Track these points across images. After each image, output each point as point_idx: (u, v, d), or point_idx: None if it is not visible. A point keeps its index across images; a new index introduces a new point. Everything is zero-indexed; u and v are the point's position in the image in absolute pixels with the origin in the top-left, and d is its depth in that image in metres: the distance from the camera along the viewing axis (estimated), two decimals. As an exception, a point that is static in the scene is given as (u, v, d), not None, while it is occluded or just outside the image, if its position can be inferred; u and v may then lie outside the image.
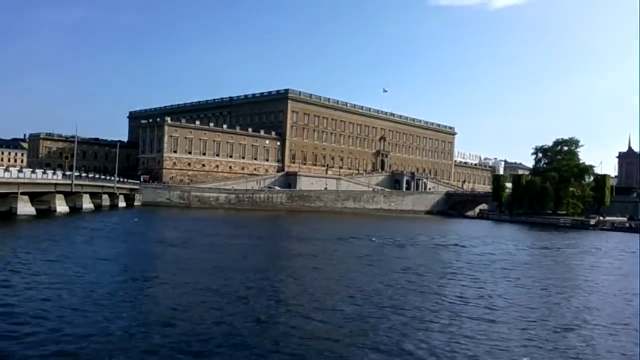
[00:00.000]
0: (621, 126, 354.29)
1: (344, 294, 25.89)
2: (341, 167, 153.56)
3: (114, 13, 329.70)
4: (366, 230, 70.07)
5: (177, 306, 21.59)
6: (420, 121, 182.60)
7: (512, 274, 36.64)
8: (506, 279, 34.04)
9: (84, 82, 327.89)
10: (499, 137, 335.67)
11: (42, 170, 75.03)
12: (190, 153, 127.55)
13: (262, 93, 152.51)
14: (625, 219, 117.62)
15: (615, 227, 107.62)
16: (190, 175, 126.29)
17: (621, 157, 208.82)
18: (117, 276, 28.22)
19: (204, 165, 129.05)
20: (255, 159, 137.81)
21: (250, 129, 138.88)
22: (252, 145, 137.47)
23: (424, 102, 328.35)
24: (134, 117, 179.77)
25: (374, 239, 56.73)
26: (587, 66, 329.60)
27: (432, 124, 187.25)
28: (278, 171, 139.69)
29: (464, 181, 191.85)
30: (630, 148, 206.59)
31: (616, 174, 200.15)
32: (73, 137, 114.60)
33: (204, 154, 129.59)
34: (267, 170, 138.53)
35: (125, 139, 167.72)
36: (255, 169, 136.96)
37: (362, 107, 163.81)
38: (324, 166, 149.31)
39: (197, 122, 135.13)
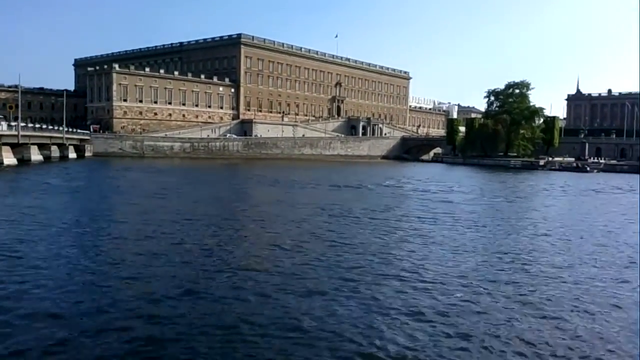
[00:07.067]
0: (570, 69, 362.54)
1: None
2: (297, 114, 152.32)
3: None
4: (338, 177, 70.38)
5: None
6: (375, 66, 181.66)
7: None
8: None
9: (24, 28, 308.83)
10: (453, 81, 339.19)
11: (-16, 122, 71.10)
12: (141, 101, 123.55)
13: (213, 38, 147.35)
14: (572, 159, 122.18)
15: (562, 167, 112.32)
16: (142, 124, 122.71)
17: (570, 99, 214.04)
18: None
19: (156, 113, 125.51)
20: (209, 106, 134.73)
21: (203, 76, 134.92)
22: (206, 92, 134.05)
23: (378, 47, 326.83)
24: (79, 64, 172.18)
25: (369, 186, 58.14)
26: (537, 9, 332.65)
27: (387, 68, 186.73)
28: (233, 119, 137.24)
29: (418, 126, 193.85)
30: (578, 90, 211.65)
31: (565, 116, 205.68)
32: (16, 86, 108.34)
33: (156, 102, 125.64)
34: (222, 118, 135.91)
35: (71, 87, 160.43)
36: (209, 117, 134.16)
37: (317, 52, 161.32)
38: (279, 113, 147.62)
39: (147, 69, 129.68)
